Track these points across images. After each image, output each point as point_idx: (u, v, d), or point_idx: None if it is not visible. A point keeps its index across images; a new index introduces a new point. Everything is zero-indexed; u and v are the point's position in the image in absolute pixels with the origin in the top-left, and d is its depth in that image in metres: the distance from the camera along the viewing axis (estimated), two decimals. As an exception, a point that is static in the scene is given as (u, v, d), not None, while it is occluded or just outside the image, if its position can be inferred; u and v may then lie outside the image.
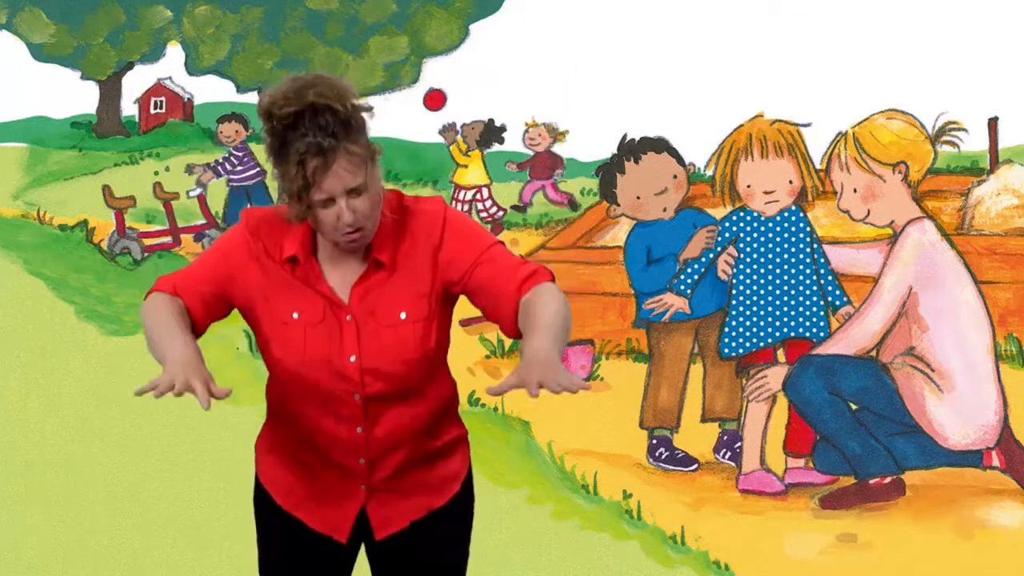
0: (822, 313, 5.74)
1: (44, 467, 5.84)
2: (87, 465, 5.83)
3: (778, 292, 5.74)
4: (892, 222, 5.68)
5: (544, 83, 6.24)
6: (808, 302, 5.74)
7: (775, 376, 5.69)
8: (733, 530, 5.50)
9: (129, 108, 6.84)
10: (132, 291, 6.36)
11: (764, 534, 5.49)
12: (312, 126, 2.88)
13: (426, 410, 3.16)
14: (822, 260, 5.74)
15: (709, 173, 5.85)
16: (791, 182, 5.73)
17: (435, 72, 6.49)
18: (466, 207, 6.48)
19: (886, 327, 5.62)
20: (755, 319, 5.75)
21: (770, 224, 5.74)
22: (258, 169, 6.62)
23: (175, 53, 6.73)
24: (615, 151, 5.95)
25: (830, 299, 5.74)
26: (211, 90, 6.74)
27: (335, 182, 2.90)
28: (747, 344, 5.76)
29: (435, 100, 6.45)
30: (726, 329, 5.78)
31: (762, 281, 5.75)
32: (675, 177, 5.91)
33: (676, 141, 5.92)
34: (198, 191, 6.67)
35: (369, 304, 3.05)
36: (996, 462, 5.60)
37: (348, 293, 3.06)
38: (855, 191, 5.66)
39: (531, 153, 6.47)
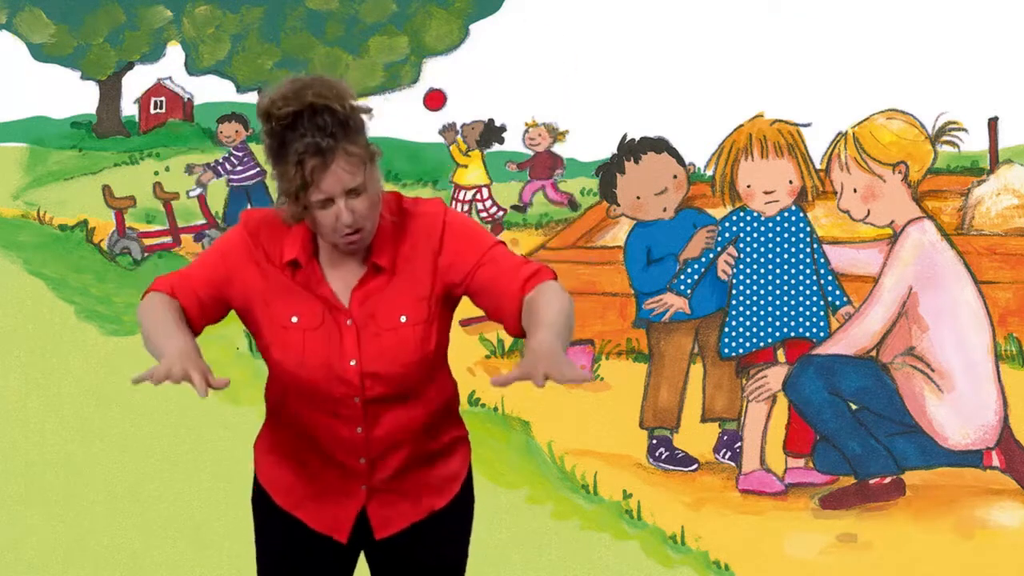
0: (822, 313, 5.74)
1: (44, 467, 5.84)
2: (87, 465, 5.83)
3: (778, 292, 5.74)
4: (892, 222, 5.68)
5: (544, 83, 6.24)
6: (808, 302, 5.74)
7: (775, 376, 5.69)
8: (733, 530, 5.50)
9: (129, 108, 6.85)
10: (132, 291, 6.37)
11: (764, 534, 5.49)
12: (311, 126, 2.87)
13: (426, 411, 3.16)
14: (822, 260, 5.74)
15: (709, 173, 5.84)
16: (791, 182, 5.73)
17: (435, 72, 6.49)
18: (466, 207, 6.48)
19: (886, 327, 5.62)
20: (755, 319, 5.75)
21: (770, 224, 5.74)
22: (258, 169, 6.62)
23: (175, 53, 6.73)
24: (615, 151, 5.95)
25: (830, 299, 5.74)
26: (211, 90, 6.74)
27: (333, 182, 2.90)
28: (747, 344, 5.76)
29: (435, 100, 6.45)
30: (726, 329, 5.78)
31: (762, 281, 5.75)
32: (675, 177, 5.91)
33: (676, 141, 5.92)
34: (198, 191, 6.67)
35: (369, 308, 3.05)
36: (996, 462, 5.60)
37: (348, 297, 3.06)
38: (855, 191, 5.66)
39: (531, 153, 6.47)
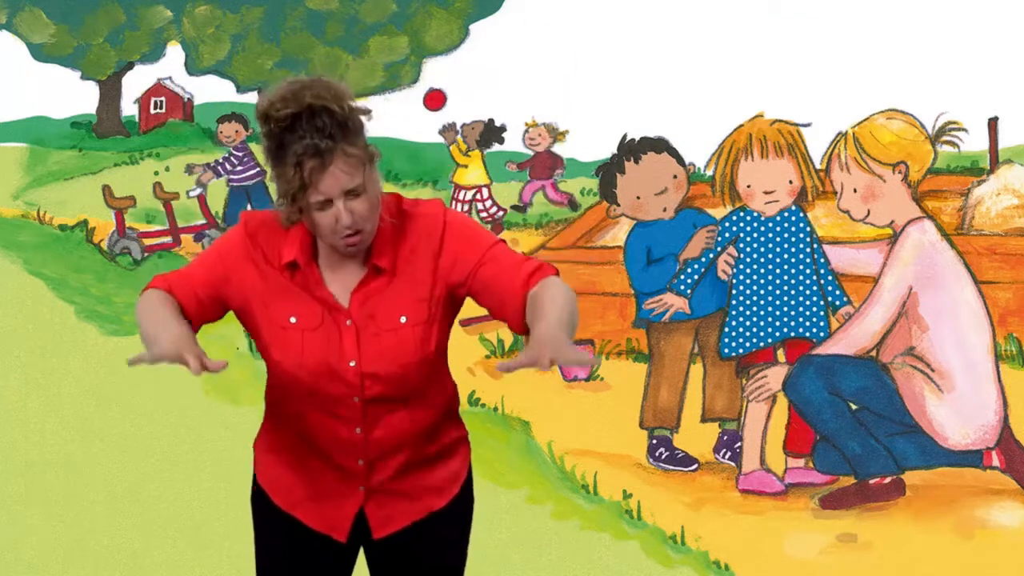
0: (822, 313, 5.74)
1: (44, 467, 5.84)
2: (87, 465, 5.83)
3: (778, 292, 5.74)
4: (892, 222, 5.68)
5: (544, 83, 6.24)
6: (808, 302, 5.74)
7: (775, 376, 5.69)
8: (733, 530, 5.50)
9: (129, 108, 6.85)
10: (132, 291, 6.36)
11: (764, 534, 5.49)
12: (309, 128, 2.88)
13: (426, 412, 3.16)
14: (822, 260, 5.74)
15: (709, 173, 5.84)
16: (791, 182, 5.73)
17: (435, 72, 6.49)
18: (466, 207, 6.48)
19: (886, 327, 5.62)
20: (755, 319, 5.75)
21: (770, 224, 5.74)
22: (258, 169, 6.62)
23: (175, 53, 6.73)
24: (615, 151, 5.95)
25: (830, 299, 5.74)
26: (211, 90, 6.74)
27: (332, 183, 2.90)
28: (747, 344, 5.76)
29: (435, 100, 6.45)
30: (726, 329, 5.78)
31: (762, 281, 5.75)
32: (675, 177, 5.91)
33: (676, 141, 5.92)
34: (198, 191, 6.67)
35: (369, 309, 3.05)
36: (996, 462, 5.60)
37: (348, 299, 3.06)
38: (855, 191, 5.66)
39: (531, 153, 6.47)
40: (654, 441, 5.86)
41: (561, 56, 6.20)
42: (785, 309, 5.74)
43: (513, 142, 6.45)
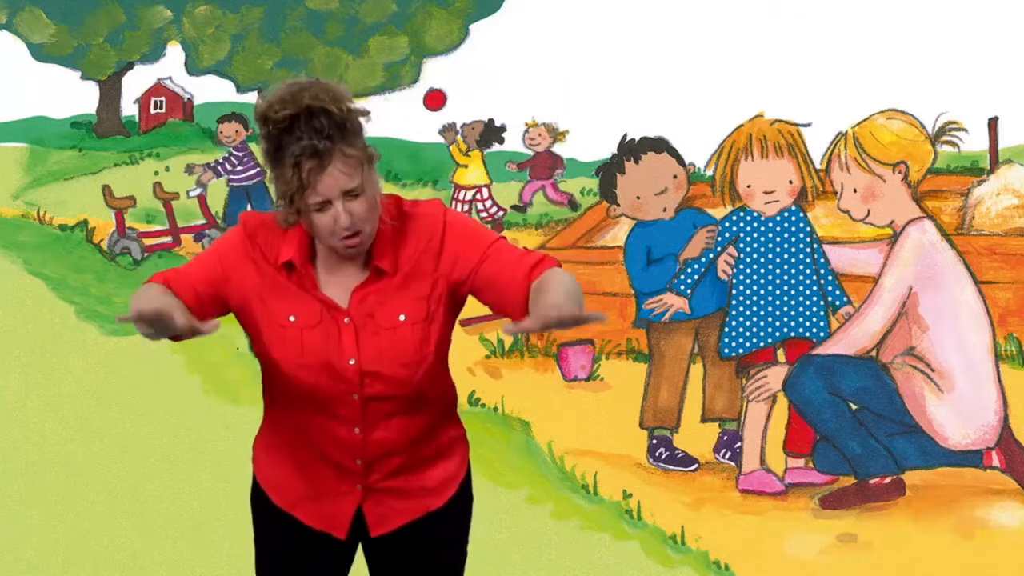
0: (822, 313, 5.74)
1: (44, 467, 5.84)
2: (87, 465, 5.83)
3: (778, 292, 5.74)
4: (892, 222, 5.68)
5: (544, 83, 6.24)
6: (808, 302, 5.74)
7: (775, 376, 5.69)
8: (733, 530, 5.50)
9: (129, 108, 6.84)
10: (132, 291, 6.34)
11: (764, 534, 5.49)
12: (307, 129, 2.88)
13: (425, 412, 3.16)
14: (822, 260, 5.74)
15: (709, 173, 5.85)
16: (791, 182, 5.73)
17: (435, 72, 6.49)
18: (466, 207, 6.48)
19: (886, 327, 5.62)
20: (755, 319, 5.75)
21: (770, 224, 5.74)
22: (258, 169, 6.62)
23: (175, 53, 6.73)
24: (615, 151, 5.95)
25: (830, 299, 5.74)
26: (211, 90, 6.74)
27: (330, 184, 2.90)
28: (747, 344, 5.76)
29: (435, 100, 6.45)
30: (726, 329, 5.78)
31: (762, 281, 5.75)
32: (675, 177, 5.91)
33: (676, 141, 5.92)
34: (198, 191, 6.67)
35: (368, 307, 3.05)
36: (996, 462, 5.60)
37: (347, 299, 3.06)
38: (855, 191, 5.66)
39: (531, 153, 6.47)
40: (654, 441, 5.86)
41: (561, 56, 6.20)
42: (785, 309, 5.74)
43: (513, 142, 6.45)
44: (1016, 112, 5.89)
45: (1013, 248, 5.81)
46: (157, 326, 2.82)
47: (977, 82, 5.86)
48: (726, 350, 5.79)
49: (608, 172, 5.95)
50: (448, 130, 6.47)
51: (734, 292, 5.78)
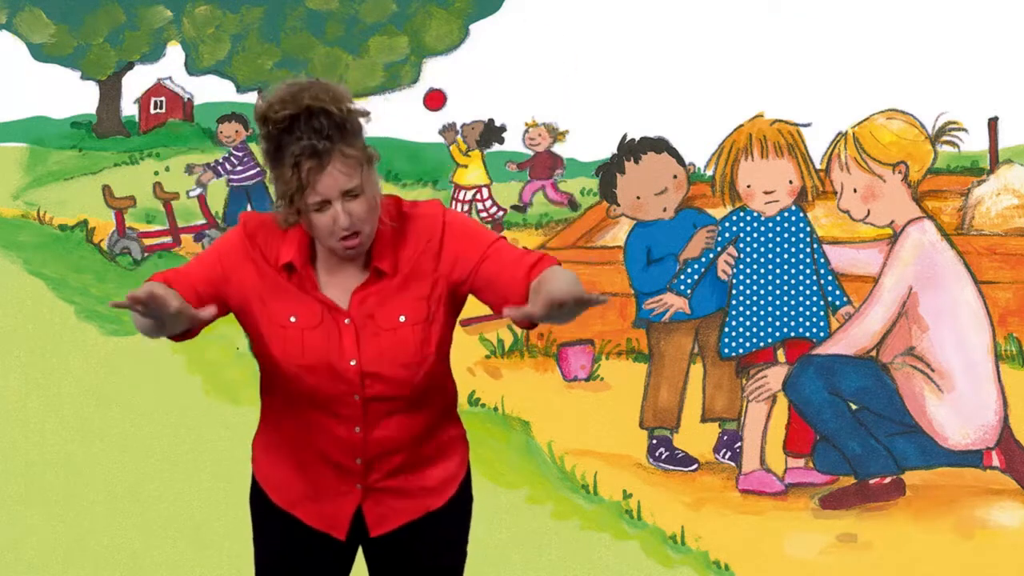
0: (822, 313, 5.74)
1: (44, 467, 5.84)
2: (87, 465, 5.83)
3: (778, 292, 5.74)
4: (892, 222, 5.68)
5: (544, 83, 6.24)
6: (808, 302, 5.74)
7: (775, 376, 5.69)
8: (733, 530, 5.50)
9: (129, 108, 6.84)
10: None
11: (764, 534, 5.49)
12: (307, 129, 2.88)
13: (426, 413, 3.16)
14: (822, 260, 5.74)
15: (709, 173, 5.85)
16: (791, 182, 5.73)
17: (435, 72, 6.48)
18: (466, 207, 6.48)
19: (886, 327, 5.62)
20: (755, 319, 5.75)
21: (770, 224, 5.74)
22: (258, 169, 6.62)
23: (175, 53, 6.73)
24: (615, 151, 5.95)
25: (830, 299, 5.74)
26: (211, 90, 6.74)
27: (330, 184, 2.90)
28: (747, 344, 5.76)
29: (435, 100, 6.45)
30: (726, 329, 5.78)
31: (762, 281, 5.75)
32: (675, 177, 5.91)
33: (676, 141, 5.92)
34: (198, 191, 6.67)
35: (368, 308, 3.05)
36: (996, 462, 5.60)
37: (348, 300, 3.06)
38: (855, 191, 5.66)
39: (531, 153, 6.47)
40: (654, 441, 5.86)
41: (561, 56, 6.20)
42: (785, 309, 5.74)
43: (513, 142, 6.45)
44: (1016, 112, 5.89)
45: (1013, 248, 5.81)
46: (151, 310, 2.80)
47: (977, 82, 5.86)
48: (726, 350, 5.79)
49: (608, 172, 5.95)
50: (448, 130, 6.47)
51: (734, 292, 5.78)
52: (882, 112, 5.73)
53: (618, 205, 5.95)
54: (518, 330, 6.07)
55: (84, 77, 6.79)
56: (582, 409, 5.92)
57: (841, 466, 5.64)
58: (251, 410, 3.33)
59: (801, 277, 5.73)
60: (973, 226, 5.87)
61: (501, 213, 6.51)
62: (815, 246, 5.74)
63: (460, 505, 3.30)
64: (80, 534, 5.49)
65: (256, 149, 6.57)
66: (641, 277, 5.89)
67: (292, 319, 3.05)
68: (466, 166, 6.51)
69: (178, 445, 5.87)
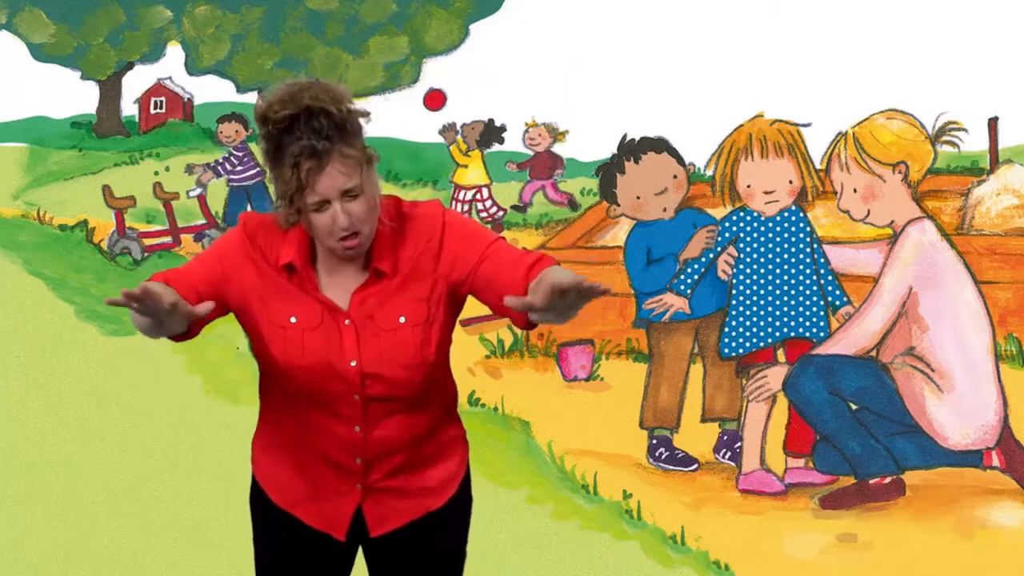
0: (822, 313, 5.74)
1: (44, 467, 5.84)
2: (87, 465, 5.83)
3: (778, 292, 5.74)
4: (892, 222, 5.68)
5: (544, 83, 6.24)
6: (808, 302, 5.74)
7: (775, 376, 5.69)
8: (733, 530, 5.50)
9: (129, 108, 6.84)
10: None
11: (764, 534, 5.49)
12: (307, 129, 2.88)
13: (426, 413, 3.16)
14: (822, 260, 5.74)
15: (709, 173, 5.84)
16: (791, 182, 5.73)
17: (435, 72, 6.48)
18: (466, 207, 6.48)
19: (886, 327, 5.62)
20: (755, 319, 5.75)
21: (770, 224, 5.74)
22: (258, 169, 6.62)
23: (175, 53, 6.73)
24: (615, 151, 5.95)
25: (830, 299, 5.74)
26: (211, 90, 6.74)
27: (329, 184, 2.90)
28: (747, 344, 5.76)
29: (435, 100, 6.45)
30: (726, 329, 5.78)
31: (762, 281, 5.75)
32: (675, 177, 5.91)
33: (676, 141, 5.92)
34: (198, 191, 6.67)
35: (368, 309, 3.05)
36: (996, 462, 5.60)
37: (347, 301, 3.06)
38: (855, 191, 5.66)
39: (531, 153, 6.47)
40: (654, 441, 5.86)
41: (561, 56, 6.20)
42: (785, 309, 5.74)
43: (513, 142, 6.45)
44: (1016, 112, 5.89)
45: (1013, 248, 5.81)
46: (147, 307, 2.79)
47: (977, 82, 5.86)
48: (726, 350, 5.79)
49: (608, 172, 5.95)
50: (448, 130, 6.47)
51: (734, 292, 5.78)
52: (882, 112, 5.73)
53: (618, 205, 5.95)
54: (518, 330, 6.07)
55: (84, 77, 6.79)
56: (582, 409, 5.92)
57: (841, 466, 5.64)
58: (251, 410, 3.33)
59: (801, 277, 5.73)
60: (973, 226, 5.87)
61: (501, 213, 6.51)
62: (815, 246, 5.74)
63: (460, 505, 3.30)
64: (80, 534, 5.49)
65: (256, 149, 6.58)
66: (641, 277, 5.89)
67: (292, 319, 3.05)
68: (466, 166, 6.51)
69: (178, 445, 5.87)
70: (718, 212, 5.83)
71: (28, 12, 6.66)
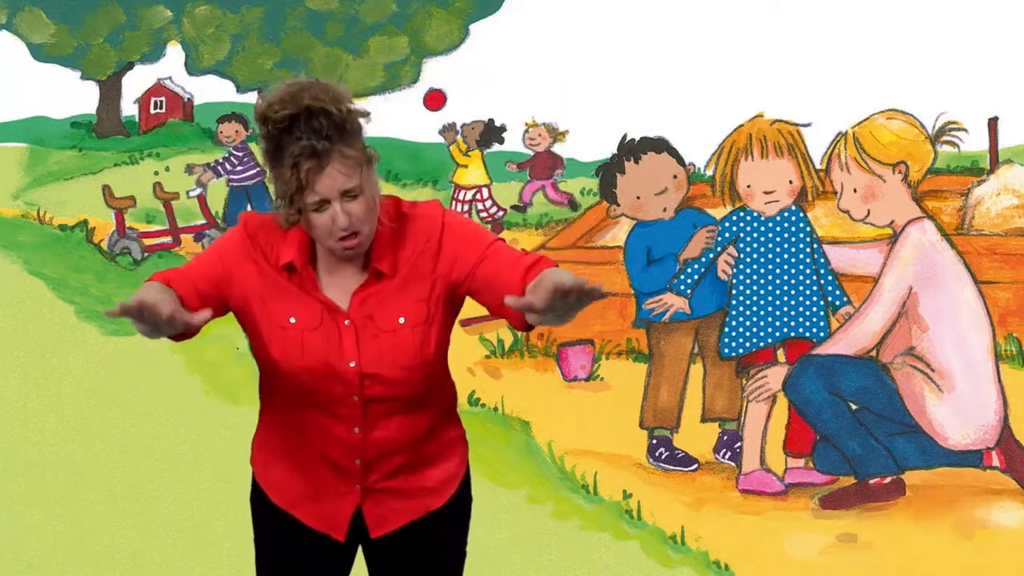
0: (822, 313, 5.74)
1: (44, 467, 5.84)
2: (87, 465, 5.83)
3: (778, 292, 5.74)
4: (892, 222, 5.68)
5: (544, 83, 6.24)
6: (808, 302, 5.74)
7: (775, 376, 5.69)
8: (733, 530, 5.50)
9: (129, 108, 6.84)
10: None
11: (764, 534, 5.49)
12: (307, 129, 2.88)
13: (425, 414, 3.16)
14: (822, 260, 5.74)
15: (709, 173, 5.84)
16: (791, 182, 5.73)
17: (435, 72, 6.49)
18: (466, 207, 6.48)
19: (886, 327, 5.62)
20: (755, 319, 5.75)
21: (770, 224, 5.74)
22: (258, 169, 6.62)
23: (175, 53, 6.73)
24: (615, 151, 5.95)
25: (830, 299, 5.74)
26: (211, 90, 6.74)
27: (329, 184, 2.90)
28: (747, 344, 5.76)
29: (435, 100, 6.45)
30: (726, 329, 5.78)
31: (762, 281, 5.75)
32: (675, 177, 5.91)
33: (676, 141, 5.92)
34: (198, 191, 6.67)
35: (368, 310, 3.05)
36: (996, 462, 5.60)
37: (347, 301, 3.06)
38: (855, 191, 5.66)
39: (531, 153, 6.47)
40: (654, 441, 5.86)
41: (561, 56, 6.20)
42: (785, 309, 5.74)
43: (513, 142, 6.45)
44: (1016, 112, 5.89)
45: (1013, 248, 5.81)
46: (143, 319, 2.80)
47: (977, 82, 5.86)
48: (726, 350, 5.79)
49: (608, 172, 5.95)
50: (448, 130, 6.47)
51: (734, 292, 5.78)
52: (882, 112, 5.73)
53: (618, 205, 5.94)
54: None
55: (84, 77, 6.79)
56: (582, 409, 5.92)
57: (841, 466, 5.64)
58: (251, 410, 3.33)
59: (801, 277, 5.73)
60: (973, 226, 5.87)
61: (501, 213, 6.51)
62: (815, 246, 5.74)
63: (460, 505, 3.30)
64: (80, 534, 5.49)
65: (256, 149, 6.58)
66: (641, 277, 5.89)
67: (292, 319, 3.05)
68: (466, 166, 6.51)
69: (178, 445, 5.87)
70: (718, 212, 5.83)
71: (28, 12, 6.66)
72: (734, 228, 5.77)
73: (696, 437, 5.84)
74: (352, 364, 3.05)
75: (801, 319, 5.73)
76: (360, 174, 2.93)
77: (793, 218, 5.73)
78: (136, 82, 6.81)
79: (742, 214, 5.76)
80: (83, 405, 6.06)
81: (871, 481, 5.62)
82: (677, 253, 5.84)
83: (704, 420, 5.87)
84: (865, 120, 5.71)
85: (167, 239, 6.69)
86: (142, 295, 2.86)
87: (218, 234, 6.49)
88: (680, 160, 5.93)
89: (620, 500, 5.60)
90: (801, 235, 5.74)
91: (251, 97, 6.61)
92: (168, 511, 5.58)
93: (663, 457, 5.83)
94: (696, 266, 5.80)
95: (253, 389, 3.26)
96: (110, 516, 5.58)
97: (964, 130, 5.69)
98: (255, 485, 3.31)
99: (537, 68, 6.23)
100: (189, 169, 6.70)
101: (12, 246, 6.62)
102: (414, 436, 3.15)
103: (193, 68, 6.73)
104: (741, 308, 5.77)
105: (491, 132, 6.44)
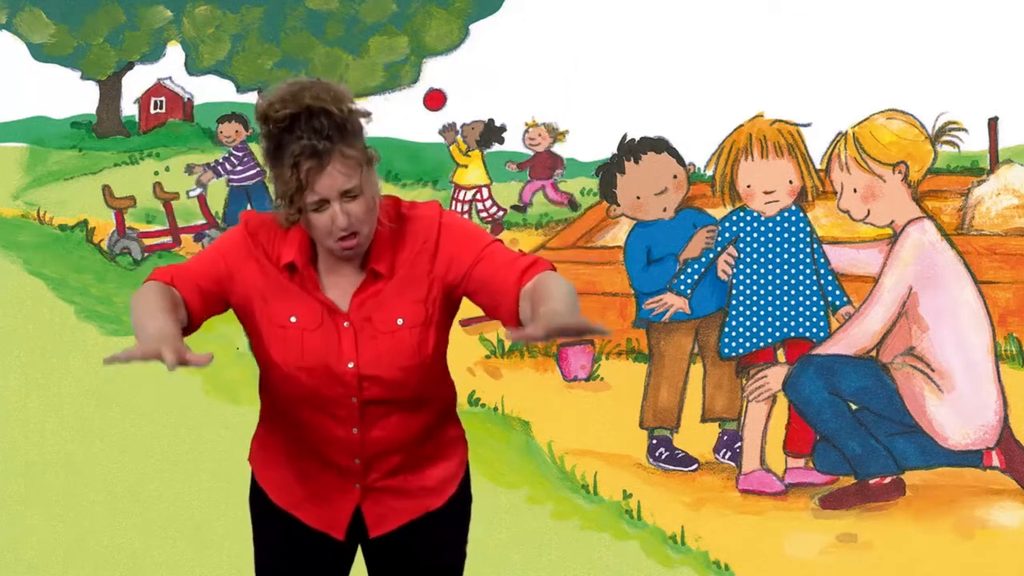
0: (822, 313, 5.73)
1: (44, 467, 5.83)
2: (87, 465, 5.83)
3: (778, 292, 5.74)
4: (892, 222, 5.68)
5: (544, 83, 6.24)
6: (808, 302, 5.74)
7: (775, 376, 5.69)
8: (733, 530, 5.50)
9: (129, 108, 6.84)
10: (132, 291, 6.34)
11: (764, 534, 5.49)
12: (307, 129, 2.88)
13: (424, 414, 3.16)
14: (822, 260, 5.74)
15: (709, 173, 5.84)
16: (791, 182, 5.73)
17: (435, 72, 6.48)
18: (466, 207, 6.48)
19: (886, 327, 5.62)
20: (755, 319, 5.75)
21: (770, 224, 5.74)
22: (258, 169, 6.62)
23: (175, 53, 6.73)
24: (615, 151, 5.95)
25: (830, 299, 5.74)
26: (211, 90, 6.74)
27: (329, 184, 2.90)
28: (747, 344, 5.76)
29: (435, 100, 6.45)
30: (726, 329, 5.78)
31: (762, 281, 5.75)
32: (675, 177, 5.91)
33: (676, 141, 5.92)
34: (198, 191, 6.67)
35: (366, 311, 3.05)
36: (996, 462, 5.60)
37: (347, 302, 3.06)
38: (855, 191, 5.66)
39: (531, 153, 6.47)
40: (654, 441, 5.86)
41: (561, 56, 6.20)
42: (785, 309, 5.74)
43: (513, 142, 6.45)
44: (1016, 112, 5.89)
45: (1013, 248, 5.81)
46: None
47: (977, 82, 5.86)
48: (726, 350, 5.79)
49: (608, 172, 5.95)
50: (448, 130, 6.47)
51: (734, 292, 5.78)
52: (882, 112, 5.73)
53: (618, 205, 5.94)
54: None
55: (84, 77, 6.79)
56: (582, 409, 5.92)
57: (841, 466, 5.64)
58: (251, 410, 3.33)
59: (801, 277, 5.73)
60: (973, 226, 5.87)
61: (501, 213, 6.51)
62: (815, 246, 5.74)
63: (459, 505, 3.30)
64: (80, 534, 5.49)
65: (256, 149, 6.57)
66: (641, 277, 5.89)
67: (292, 319, 3.05)
68: (466, 166, 6.51)
69: (178, 445, 5.87)
70: (718, 212, 5.83)
71: (28, 12, 6.66)
72: (734, 228, 5.77)
73: (696, 437, 5.84)
74: (350, 365, 3.04)
75: (801, 319, 5.73)
76: (360, 174, 2.93)
77: (793, 218, 5.73)
78: (136, 82, 6.81)
79: (742, 214, 5.76)
80: (83, 405, 6.06)
81: (871, 481, 5.62)
82: (677, 253, 5.84)
83: (704, 420, 5.87)
84: (865, 120, 5.71)
85: (167, 239, 6.69)
86: (148, 333, 2.83)
87: (218, 234, 6.48)
88: (680, 160, 5.93)
89: (620, 500, 5.60)
90: (801, 235, 5.74)
91: (251, 97, 6.61)
92: (168, 511, 5.58)
93: (663, 457, 5.83)
94: (696, 266, 5.80)
95: (253, 389, 3.26)
96: (110, 516, 5.58)
97: (964, 130, 5.69)
98: (254, 484, 3.31)
99: (537, 68, 6.23)
100: (189, 169, 6.70)
101: (12, 246, 6.62)
102: (413, 436, 3.15)
103: (193, 68, 6.73)
104: (741, 308, 5.76)
105: (491, 132, 6.44)
